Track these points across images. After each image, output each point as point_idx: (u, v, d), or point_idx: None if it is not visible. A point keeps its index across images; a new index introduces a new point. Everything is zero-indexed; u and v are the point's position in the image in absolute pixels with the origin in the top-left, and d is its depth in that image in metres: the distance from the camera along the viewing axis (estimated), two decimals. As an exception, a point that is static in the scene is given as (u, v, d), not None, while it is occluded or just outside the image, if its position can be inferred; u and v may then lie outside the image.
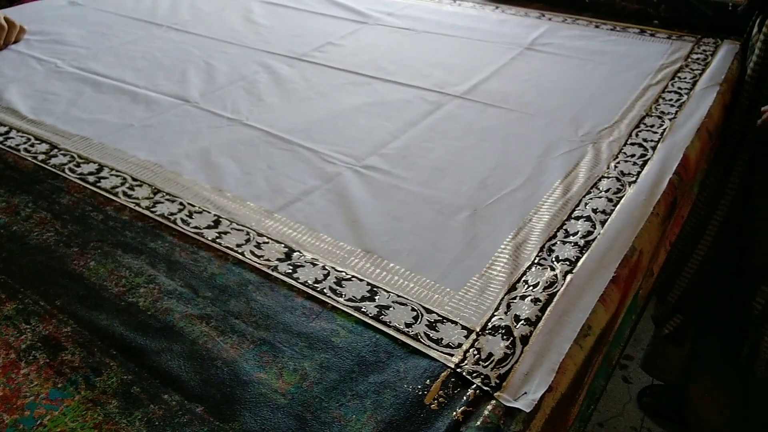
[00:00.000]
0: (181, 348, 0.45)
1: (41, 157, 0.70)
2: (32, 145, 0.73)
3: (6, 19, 1.04)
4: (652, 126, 0.76)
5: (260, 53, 0.99)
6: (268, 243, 0.56)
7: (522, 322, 0.46)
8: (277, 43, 1.03)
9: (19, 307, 0.49)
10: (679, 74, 0.90)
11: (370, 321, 0.47)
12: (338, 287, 0.51)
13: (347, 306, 0.49)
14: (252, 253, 0.55)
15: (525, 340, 0.45)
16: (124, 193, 0.63)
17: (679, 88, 0.86)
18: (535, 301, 0.48)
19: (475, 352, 0.44)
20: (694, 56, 0.96)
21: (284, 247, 0.56)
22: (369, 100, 0.84)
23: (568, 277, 0.51)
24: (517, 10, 1.18)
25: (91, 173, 0.67)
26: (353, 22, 1.13)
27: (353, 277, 0.52)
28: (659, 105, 0.81)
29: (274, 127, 0.76)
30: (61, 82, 0.90)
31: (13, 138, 0.75)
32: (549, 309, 0.48)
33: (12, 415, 0.40)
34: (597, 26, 1.08)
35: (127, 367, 0.43)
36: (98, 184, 0.65)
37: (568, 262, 0.53)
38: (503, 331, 0.46)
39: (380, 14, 1.17)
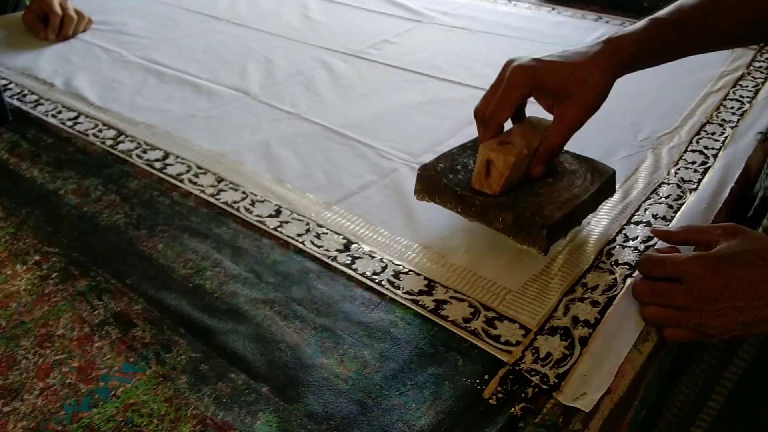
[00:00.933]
0: (246, 330, 0.46)
1: (109, 142, 0.73)
2: (100, 131, 0.76)
3: (75, 11, 1.08)
4: (713, 133, 0.75)
5: (317, 49, 1.01)
6: (327, 234, 0.57)
7: (581, 323, 0.47)
8: (333, 39, 1.05)
9: (92, 284, 0.51)
10: (740, 82, 0.88)
11: (428, 314, 0.48)
12: (396, 280, 0.52)
13: (405, 299, 0.49)
14: (312, 243, 0.56)
15: (584, 341, 0.45)
16: (190, 180, 0.65)
17: (741, 96, 0.84)
18: (594, 303, 0.48)
19: (534, 351, 0.44)
20: (756, 64, 0.94)
21: (343, 239, 0.57)
22: (424, 98, 0.85)
23: (628, 281, 0.51)
24: (573, 11, 1.17)
25: (157, 159, 0.69)
26: (408, 20, 1.14)
27: (410, 270, 0.53)
28: (720, 113, 0.80)
29: (331, 121, 0.78)
30: (126, 71, 0.93)
31: (81, 123, 0.78)
32: (608, 312, 0.48)
33: (88, 384, 0.42)
34: (656, 31, 1.07)
35: (196, 346, 0.45)
36: (164, 171, 0.67)
37: (627, 266, 0.52)
38: (561, 332, 0.46)
39: (435, 13, 1.17)
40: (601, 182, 0.56)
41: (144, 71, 0.93)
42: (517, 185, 0.54)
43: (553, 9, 1.19)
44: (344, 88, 0.88)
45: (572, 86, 0.52)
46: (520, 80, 0.53)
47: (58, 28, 1.05)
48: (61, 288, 0.51)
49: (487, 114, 0.53)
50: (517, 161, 0.52)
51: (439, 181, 0.55)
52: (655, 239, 0.56)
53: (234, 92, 0.86)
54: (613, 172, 0.58)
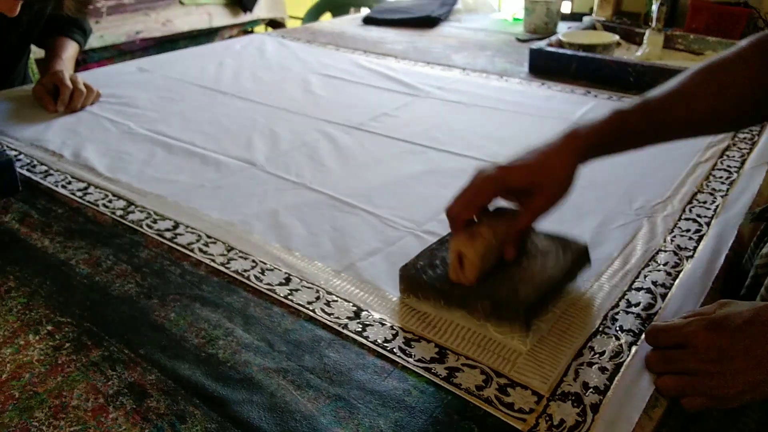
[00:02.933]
0: (260, 399, 0.47)
1: (119, 212, 0.75)
2: (110, 201, 0.78)
3: (84, 84, 1.12)
4: (704, 202, 0.77)
5: (320, 122, 1.04)
6: (337, 301, 0.58)
7: (591, 389, 0.47)
8: (335, 112, 1.09)
9: (105, 354, 0.52)
10: (727, 152, 0.92)
11: (441, 382, 0.48)
12: (407, 347, 0.52)
13: (417, 367, 0.50)
14: (323, 311, 0.57)
15: (595, 408, 0.46)
16: (200, 249, 0.67)
17: (728, 166, 0.88)
18: (603, 369, 0.49)
19: (547, 418, 0.45)
20: (741, 135, 0.98)
21: (353, 306, 0.58)
22: (425, 168, 0.88)
23: (633, 348, 0.52)
24: (563, 86, 1.23)
25: (167, 229, 0.71)
26: (405, 94, 1.19)
27: (421, 338, 0.54)
28: (710, 182, 0.83)
29: (336, 191, 0.80)
30: (134, 143, 0.96)
31: (91, 193, 0.80)
32: (617, 378, 0.48)
33: (102, 457, 0.42)
34: (642, 104, 1.12)
35: (211, 416, 0.45)
36: (175, 240, 0.68)
37: (631, 333, 0.54)
38: (573, 398, 0.47)
39: (431, 88, 1.22)
40: (573, 258, 0.59)
41: (151, 143, 0.96)
42: (493, 270, 0.57)
43: (543, 84, 1.25)
44: (347, 158, 0.91)
45: (536, 183, 0.56)
46: (486, 188, 0.57)
47: (67, 101, 1.09)
48: (74, 358, 0.51)
49: (454, 214, 0.57)
50: (486, 251, 0.55)
51: (419, 278, 0.58)
52: (658, 307, 0.57)
53: (240, 163, 0.88)
54: (585, 247, 0.61)
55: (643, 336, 0.53)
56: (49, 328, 0.55)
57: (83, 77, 1.15)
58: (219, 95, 1.18)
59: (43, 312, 0.57)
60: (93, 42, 1.58)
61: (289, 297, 0.59)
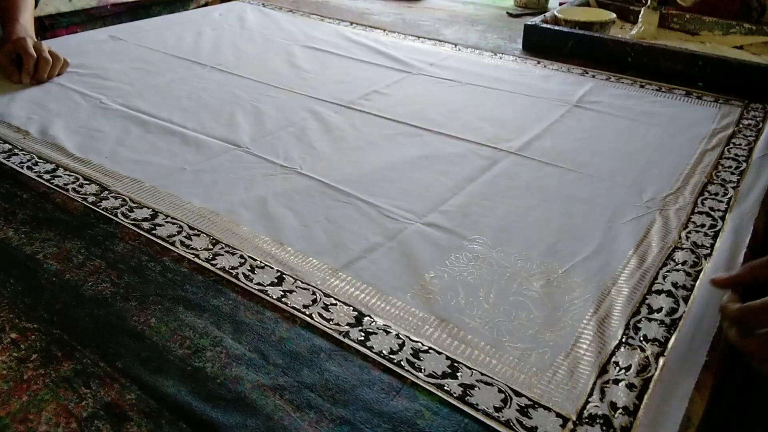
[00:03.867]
0: (255, 424, 0.42)
1: (91, 198, 0.68)
2: (81, 186, 0.71)
3: (50, 53, 1.03)
4: (716, 194, 0.74)
5: (307, 99, 0.98)
6: (336, 305, 0.53)
7: (620, 411, 0.43)
8: (323, 89, 1.02)
9: (77, 368, 0.46)
10: (733, 140, 0.89)
11: (455, 402, 0.44)
12: (416, 360, 0.48)
13: (429, 383, 0.45)
14: (321, 316, 0.52)
15: (626, 431, 0.42)
16: (182, 243, 0.61)
17: (736, 155, 0.84)
18: (630, 387, 0.45)
19: (575, 444, 0.41)
20: (745, 122, 0.95)
21: (353, 311, 0.53)
22: (422, 152, 0.82)
23: (661, 361, 0.48)
24: (559, 65, 1.18)
25: (145, 219, 0.64)
26: (396, 70, 1.13)
27: (430, 348, 0.49)
28: (719, 172, 0.79)
29: (328, 177, 0.74)
30: (107, 119, 0.89)
31: (60, 176, 0.73)
32: (646, 397, 0.45)
33: (76, 494, 0.37)
34: (642, 86, 1.08)
35: (200, 444, 0.40)
36: (154, 232, 0.62)
37: (657, 343, 0.50)
38: (601, 421, 0.42)
39: (422, 64, 1.16)
40: None
41: (126, 119, 0.88)
42: None
43: (539, 62, 1.20)
44: (338, 140, 0.85)
45: None
46: None
47: (32, 70, 1.00)
48: (42, 373, 0.45)
49: None
50: None
51: None
52: (681, 311, 0.53)
53: (224, 144, 0.82)
54: None
55: (670, 345, 0.49)
56: (13, 335, 0.48)
57: (50, 45, 1.06)
58: (197, 67, 1.11)
59: (6, 317, 0.50)
60: (61, 6, 1.47)
61: (283, 299, 0.53)
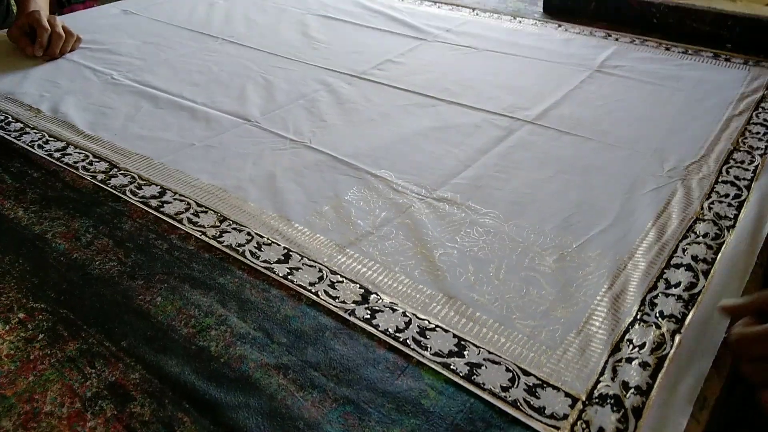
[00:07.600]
0: (258, 403, 0.41)
1: (100, 176, 0.68)
2: (90, 163, 0.71)
3: (64, 28, 1.03)
4: (742, 162, 0.71)
5: (319, 70, 0.96)
6: (342, 282, 0.52)
7: (632, 390, 0.42)
8: (335, 59, 1.00)
9: (83, 348, 0.46)
10: (762, 104, 0.84)
11: (461, 381, 0.43)
12: (422, 338, 0.47)
13: (434, 362, 0.45)
14: (326, 293, 0.51)
15: (637, 412, 0.40)
16: (189, 220, 0.60)
17: (765, 119, 0.81)
18: (644, 365, 0.44)
19: (584, 426, 0.40)
20: (776, 84, 0.90)
21: (360, 288, 0.52)
22: (435, 123, 0.80)
23: (677, 338, 0.46)
24: (581, 28, 1.13)
25: (153, 196, 0.64)
26: (411, 38, 1.10)
27: (437, 327, 0.48)
28: (746, 138, 0.76)
29: (338, 151, 0.73)
30: (118, 95, 0.88)
31: (71, 154, 0.73)
32: (660, 376, 0.43)
33: (80, 474, 0.37)
34: (667, 48, 1.03)
35: (202, 424, 0.40)
36: (161, 209, 0.62)
37: (674, 320, 0.48)
38: (612, 401, 0.41)
39: (438, 30, 1.13)
40: None
41: (136, 95, 0.88)
42: None
43: (560, 26, 1.15)
44: (350, 112, 0.83)
45: None
46: None
47: (45, 44, 1.00)
48: (48, 353, 0.45)
49: None
50: None
51: None
52: (701, 286, 0.51)
53: (233, 118, 0.81)
54: None
55: (687, 322, 0.47)
56: (21, 315, 0.49)
57: (63, 20, 1.06)
58: (209, 40, 1.09)
59: (14, 296, 0.51)
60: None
61: (289, 277, 0.53)
